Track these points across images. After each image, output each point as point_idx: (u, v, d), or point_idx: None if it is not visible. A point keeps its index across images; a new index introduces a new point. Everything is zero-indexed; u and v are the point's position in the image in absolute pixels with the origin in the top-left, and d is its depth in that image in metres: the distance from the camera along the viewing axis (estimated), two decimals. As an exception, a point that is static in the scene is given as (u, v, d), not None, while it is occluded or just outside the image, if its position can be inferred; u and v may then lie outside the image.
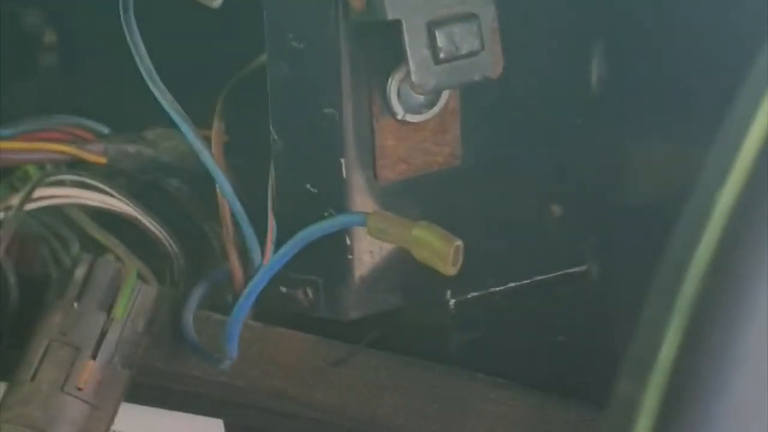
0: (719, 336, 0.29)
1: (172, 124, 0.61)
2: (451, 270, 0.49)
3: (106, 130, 0.61)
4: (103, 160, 0.60)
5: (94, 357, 0.54)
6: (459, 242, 0.49)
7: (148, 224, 0.59)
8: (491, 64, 0.52)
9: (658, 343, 0.30)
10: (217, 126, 0.59)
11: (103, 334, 0.54)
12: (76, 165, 0.61)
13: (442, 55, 0.51)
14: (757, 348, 0.28)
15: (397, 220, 0.50)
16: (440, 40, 0.51)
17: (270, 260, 0.54)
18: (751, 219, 0.29)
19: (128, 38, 0.55)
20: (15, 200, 0.55)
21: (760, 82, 0.31)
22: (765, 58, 0.31)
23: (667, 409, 0.29)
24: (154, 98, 0.59)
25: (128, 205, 0.59)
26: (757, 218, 0.29)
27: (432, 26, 0.51)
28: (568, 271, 0.61)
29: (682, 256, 0.30)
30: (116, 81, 0.70)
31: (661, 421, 0.29)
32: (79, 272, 0.55)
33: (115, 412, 0.54)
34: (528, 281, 0.60)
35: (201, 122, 0.60)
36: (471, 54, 0.52)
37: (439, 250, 0.49)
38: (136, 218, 0.59)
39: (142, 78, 0.59)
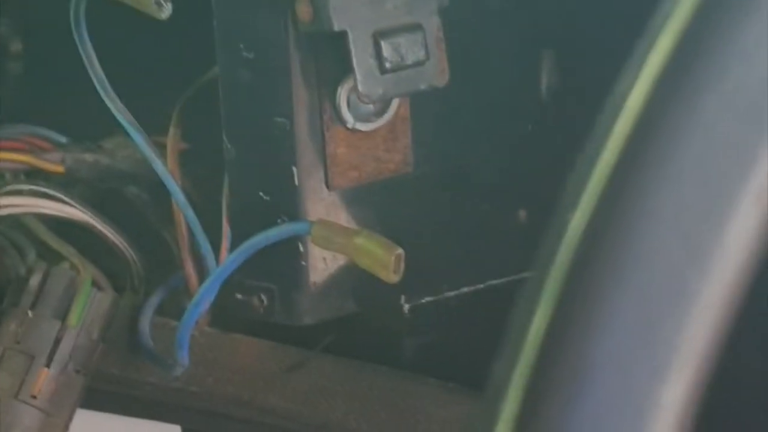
0: (588, 312, 0.29)
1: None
2: (392, 278, 0.50)
3: (63, 140, 0.62)
4: (60, 169, 0.61)
5: (48, 364, 0.54)
6: (400, 250, 0.50)
7: (105, 232, 0.60)
8: (437, 73, 0.53)
9: (528, 321, 0.30)
10: (173, 133, 0.59)
11: (57, 342, 0.54)
12: (34, 174, 0.62)
13: (387, 65, 0.52)
14: (626, 323, 0.29)
15: (340, 228, 0.51)
16: (386, 50, 0.52)
17: (218, 268, 0.55)
18: (621, 194, 0.30)
19: (80, 49, 0.56)
20: (-29, 210, 0.56)
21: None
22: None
23: (535, 387, 0.29)
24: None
25: (85, 213, 0.59)
26: (628, 192, 0.30)
27: (378, 37, 0.52)
28: (522, 275, 0.61)
29: (555, 232, 0.31)
30: (78, 90, 0.71)
31: (528, 398, 0.29)
32: (34, 281, 0.55)
33: (70, 419, 0.55)
34: (482, 286, 0.61)
35: (160, 129, 0.60)
36: (416, 63, 0.52)
37: (381, 258, 0.49)
38: (94, 226, 0.60)
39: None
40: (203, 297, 0.54)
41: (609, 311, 0.29)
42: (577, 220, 0.29)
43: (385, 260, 0.49)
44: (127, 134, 0.59)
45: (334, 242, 0.51)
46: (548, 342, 0.29)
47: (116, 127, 0.64)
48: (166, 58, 0.66)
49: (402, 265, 0.50)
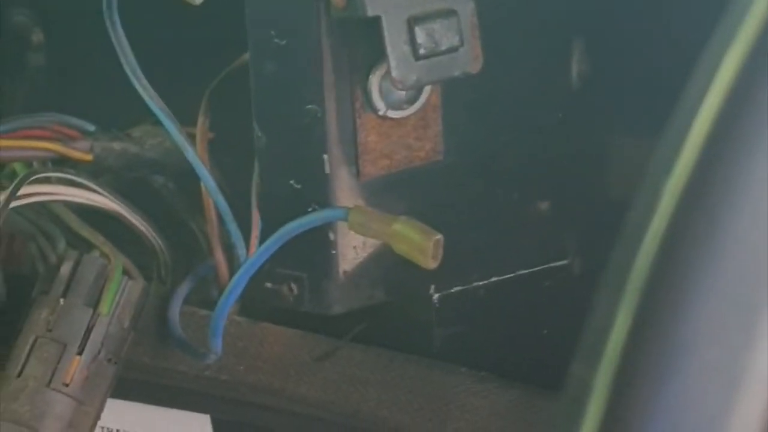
0: (668, 319, 0.29)
1: (159, 122, 0.62)
2: (431, 264, 0.49)
3: (92, 128, 0.61)
4: (89, 157, 0.60)
5: (80, 353, 0.54)
6: (439, 236, 0.50)
7: (133, 221, 0.60)
8: (470, 60, 0.53)
9: (608, 325, 0.30)
10: (201, 122, 0.59)
11: (89, 330, 0.54)
12: (62, 163, 0.62)
13: (421, 51, 0.52)
14: (705, 331, 0.29)
15: (378, 215, 0.51)
16: (420, 36, 0.52)
17: (252, 256, 0.54)
18: (697, 206, 0.30)
19: (112, 36, 0.56)
20: (1, 197, 0.56)
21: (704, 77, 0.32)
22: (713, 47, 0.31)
23: (617, 392, 0.29)
24: (139, 97, 0.59)
25: (114, 202, 0.59)
26: (703, 205, 0.30)
27: (412, 22, 0.52)
28: (551, 265, 0.61)
29: (632, 240, 0.31)
30: (103, 80, 0.70)
31: (612, 403, 0.29)
32: (65, 268, 0.55)
33: (101, 407, 0.55)
34: (511, 275, 0.60)
35: (186, 120, 0.60)
36: (450, 50, 0.52)
37: (419, 244, 0.49)
38: (122, 215, 0.59)
39: (127, 77, 0.59)
40: (238, 284, 0.54)
41: (689, 313, 0.29)
42: (657, 223, 0.29)
43: (424, 246, 0.49)
44: (158, 122, 0.59)
45: (371, 228, 0.50)
46: (631, 343, 0.29)
47: (140, 116, 0.64)
48: (192, 47, 0.66)
49: (440, 252, 0.50)
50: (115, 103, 0.67)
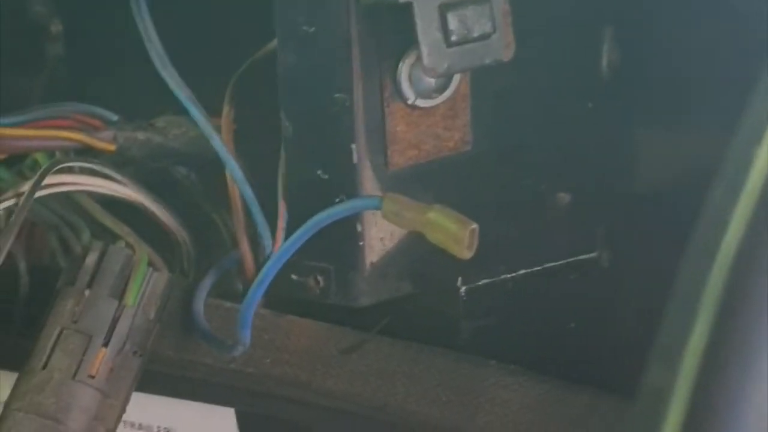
0: (750, 324, 0.29)
1: (181, 112, 0.61)
2: (466, 253, 0.49)
3: (115, 118, 0.61)
4: (112, 147, 0.60)
5: (105, 344, 0.53)
6: (474, 225, 0.49)
7: (157, 212, 0.59)
8: (503, 47, 0.52)
9: (687, 332, 0.30)
10: (226, 112, 0.58)
11: (114, 322, 0.54)
12: (84, 153, 0.61)
13: (453, 38, 0.51)
14: None
15: (412, 203, 0.50)
16: (452, 22, 0.51)
17: (284, 245, 0.54)
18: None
19: (139, 24, 0.55)
20: (25, 187, 0.55)
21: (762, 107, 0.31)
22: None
23: (698, 398, 0.29)
24: (160, 87, 0.59)
25: (138, 192, 0.58)
26: None
27: (444, 9, 0.51)
28: (579, 258, 0.61)
29: (709, 244, 0.30)
30: (121, 70, 0.70)
31: (692, 410, 0.29)
32: (90, 259, 0.55)
33: (127, 399, 0.54)
34: (539, 268, 0.60)
35: (209, 111, 0.60)
36: (483, 37, 0.51)
37: (455, 233, 0.48)
38: (146, 206, 0.59)
39: (147, 67, 0.59)
40: (268, 274, 0.54)
41: None
42: (730, 236, 0.29)
43: (459, 235, 0.48)
44: (180, 111, 0.59)
45: (405, 217, 0.50)
46: (711, 349, 0.28)
47: (159, 106, 0.63)
48: (216, 35, 0.65)
49: (475, 241, 0.49)
50: (134, 93, 0.67)
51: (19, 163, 0.63)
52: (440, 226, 0.49)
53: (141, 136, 0.61)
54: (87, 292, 0.54)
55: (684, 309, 0.30)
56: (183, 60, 0.58)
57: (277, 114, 0.57)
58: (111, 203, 0.60)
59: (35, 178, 0.55)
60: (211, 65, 0.61)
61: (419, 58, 0.52)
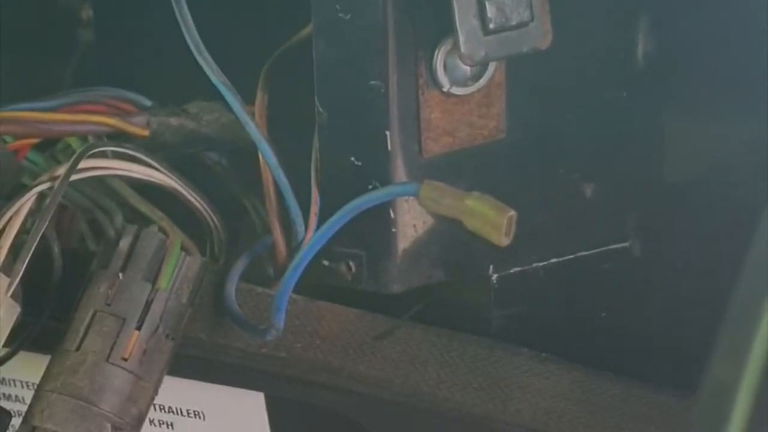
0: None
1: (213, 98, 0.61)
2: (504, 240, 0.49)
3: (148, 103, 0.61)
4: (146, 132, 0.60)
5: (139, 327, 0.53)
6: (513, 212, 0.49)
7: (190, 197, 0.59)
8: (540, 35, 0.52)
9: (753, 326, 0.29)
10: (260, 98, 0.58)
11: (148, 305, 0.54)
12: (116, 138, 0.61)
13: (491, 26, 0.51)
14: None
15: (450, 190, 0.50)
16: (490, 10, 0.51)
17: (320, 230, 0.54)
18: None
19: (176, 10, 0.55)
20: (60, 171, 0.55)
21: None
22: None
23: (765, 393, 0.29)
24: (188, 73, 0.59)
25: (171, 177, 0.58)
26: None
27: (482, -4, 0.51)
28: (611, 247, 0.61)
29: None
30: (151, 56, 0.70)
31: (759, 404, 0.29)
32: (124, 243, 0.55)
33: (159, 382, 0.54)
34: (570, 257, 0.60)
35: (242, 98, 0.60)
36: (521, 25, 0.51)
37: (493, 219, 0.48)
38: (179, 191, 0.59)
39: (175, 53, 0.59)
40: (304, 259, 0.54)
41: None
42: None
43: (498, 222, 0.48)
44: (211, 97, 0.59)
45: (443, 204, 0.50)
46: None
47: (189, 92, 0.63)
48: (249, 22, 0.65)
49: (513, 228, 0.49)
50: (162, 79, 0.67)
51: (51, 147, 0.64)
52: (478, 213, 0.49)
53: (174, 121, 0.61)
54: (121, 276, 0.54)
55: (750, 303, 0.30)
56: (216, 47, 0.58)
57: (310, 101, 0.57)
58: (141, 188, 0.60)
59: (70, 162, 0.55)
60: (243, 52, 0.62)
61: (455, 46, 0.52)
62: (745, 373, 0.29)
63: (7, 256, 0.53)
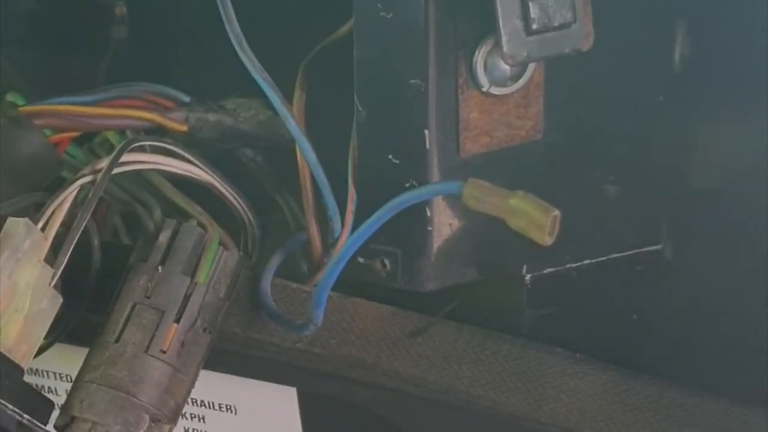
0: None
1: (249, 94, 0.62)
2: (547, 240, 0.49)
3: (187, 99, 0.61)
4: (184, 128, 0.60)
5: (177, 320, 0.54)
6: (557, 212, 0.49)
7: (226, 193, 0.59)
8: (582, 37, 0.52)
9: None
10: (298, 96, 0.59)
11: (186, 298, 0.54)
12: (153, 132, 0.62)
13: (534, 26, 0.51)
14: None
15: (494, 189, 0.50)
16: (533, 10, 0.51)
17: (363, 226, 0.54)
18: None
19: (219, 5, 0.55)
20: (101, 165, 0.55)
21: None
22: None
23: None
24: (222, 69, 0.59)
25: (209, 173, 0.59)
26: None
27: (525, -3, 0.51)
28: (644, 249, 0.61)
29: None
30: (184, 52, 0.71)
31: None
32: (164, 237, 0.55)
33: (196, 375, 0.54)
34: (603, 258, 0.60)
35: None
36: (563, 26, 0.52)
37: (537, 219, 0.49)
38: (215, 186, 0.59)
39: (209, 50, 0.59)
40: (345, 255, 0.54)
41: None
42: None
43: (542, 221, 0.48)
44: (255, 95, 0.59)
45: (487, 202, 0.50)
46: None
47: (223, 89, 0.64)
48: (287, 19, 0.65)
49: (557, 228, 0.49)
50: (195, 75, 0.67)
51: (89, 140, 0.64)
52: (523, 212, 0.49)
53: (212, 117, 0.61)
54: (160, 269, 0.54)
55: None
56: (255, 43, 0.58)
57: (348, 98, 0.57)
58: (174, 182, 0.60)
59: (112, 155, 0.56)
60: (282, 49, 0.62)
61: (496, 46, 0.52)
62: None
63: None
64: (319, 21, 0.60)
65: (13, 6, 0.72)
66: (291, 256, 0.60)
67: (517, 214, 0.49)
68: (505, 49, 0.51)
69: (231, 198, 0.60)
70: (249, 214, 0.61)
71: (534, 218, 0.49)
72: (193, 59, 0.70)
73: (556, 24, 0.51)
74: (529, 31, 0.51)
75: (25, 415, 0.50)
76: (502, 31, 0.51)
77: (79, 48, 0.73)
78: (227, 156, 0.64)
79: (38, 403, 0.51)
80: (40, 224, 0.53)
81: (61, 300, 0.53)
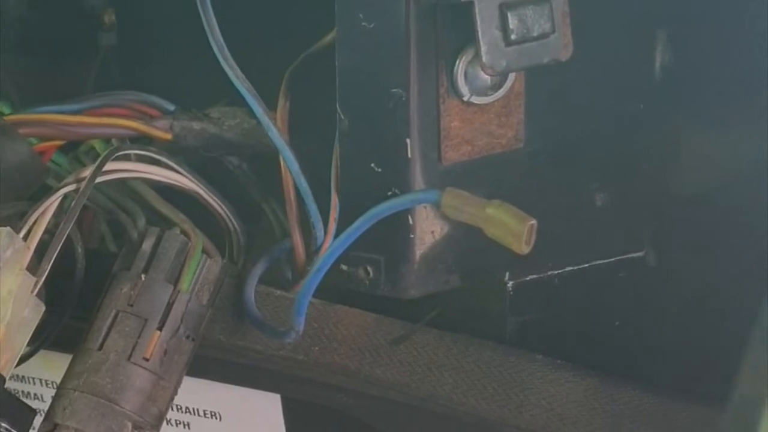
0: None
1: (234, 103, 0.62)
2: (524, 248, 0.49)
3: (172, 107, 0.62)
4: (168, 136, 0.61)
5: (160, 328, 0.54)
6: (533, 221, 0.50)
7: (211, 201, 0.60)
8: (561, 47, 0.53)
9: None
10: (282, 104, 0.59)
11: (169, 306, 0.55)
12: (139, 141, 0.62)
13: (513, 37, 0.52)
14: None
15: (472, 198, 0.51)
16: (512, 21, 0.52)
17: (343, 234, 0.55)
18: None
19: (202, 15, 0.56)
20: (85, 173, 0.56)
21: None
22: None
23: None
24: (209, 78, 0.60)
25: (193, 181, 0.59)
26: None
27: (504, 8, 0.52)
28: (626, 256, 0.61)
29: None
30: (172, 60, 0.71)
31: None
32: (147, 245, 0.56)
33: (179, 382, 0.55)
34: (586, 265, 0.61)
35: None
36: (542, 36, 0.52)
37: (514, 228, 0.49)
38: (200, 194, 0.60)
39: (196, 58, 0.60)
40: (326, 262, 0.54)
41: None
42: None
43: (518, 231, 0.49)
44: (240, 104, 0.60)
45: (464, 211, 0.50)
46: None
47: (210, 97, 0.64)
48: (271, 29, 0.66)
49: (534, 237, 0.50)
50: (183, 83, 0.68)
51: (74, 149, 0.65)
52: (499, 222, 0.50)
53: (196, 125, 0.62)
54: (143, 277, 0.55)
55: None
56: (239, 52, 0.59)
57: (331, 107, 0.58)
58: (161, 190, 0.61)
59: (96, 164, 0.56)
60: (265, 58, 0.62)
61: (477, 56, 0.53)
62: None
63: (32, 255, 0.54)
64: (304, 30, 0.61)
65: (3, 13, 0.73)
66: (276, 263, 0.61)
67: (494, 223, 0.49)
68: (484, 59, 0.52)
69: (215, 205, 0.60)
70: (233, 221, 0.61)
71: (510, 227, 0.49)
72: (181, 67, 0.70)
73: (534, 34, 0.52)
74: (508, 42, 0.52)
75: (4, 424, 0.50)
76: (481, 42, 0.52)
77: (69, 55, 0.74)
78: (214, 164, 0.64)
79: (19, 411, 0.51)
80: (23, 233, 0.53)
81: (43, 308, 0.53)
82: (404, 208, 0.54)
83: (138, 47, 0.73)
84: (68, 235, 0.55)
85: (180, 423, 0.63)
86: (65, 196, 0.56)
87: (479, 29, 0.52)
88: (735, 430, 0.30)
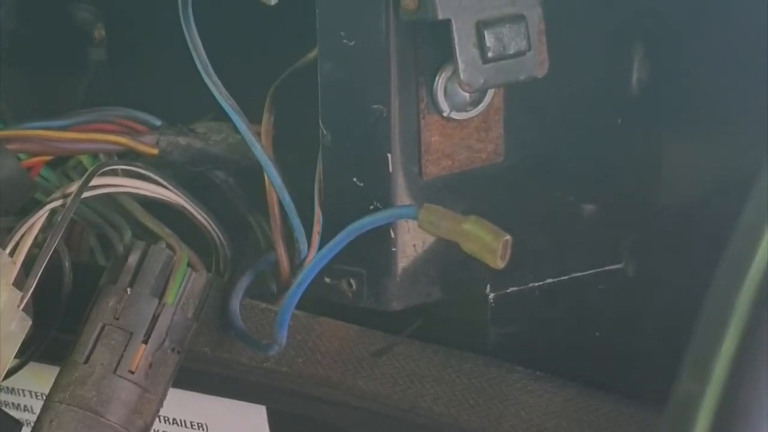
0: None
1: (222, 118, 0.63)
2: (499, 263, 0.50)
3: (158, 122, 0.63)
4: (155, 151, 0.62)
5: (145, 341, 0.55)
6: (508, 237, 0.51)
7: (197, 215, 0.61)
8: (537, 64, 0.54)
9: (717, 343, 0.31)
10: (266, 119, 0.60)
11: (154, 319, 0.55)
12: (125, 156, 0.63)
13: (490, 55, 0.53)
14: None
15: (448, 213, 0.52)
16: (489, 39, 0.53)
17: (323, 249, 0.55)
18: None
19: (185, 32, 0.57)
20: (72, 188, 0.57)
21: None
22: None
23: (726, 405, 0.30)
24: (198, 93, 0.61)
25: (179, 195, 0.60)
26: None
27: (481, 26, 0.53)
28: (605, 268, 0.62)
29: (741, 260, 0.32)
30: (162, 76, 0.72)
31: (720, 416, 0.30)
32: (132, 259, 0.56)
33: (164, 394, 0.56)
34: (566, 277, 0.61)
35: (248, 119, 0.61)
36: (518, 54, 0.53)
37: (489, 243, 0.50)
38: (186, 208, 0.60)
39: (186, 73, 0.60)
40: (307, 276, 0.55)
41: None
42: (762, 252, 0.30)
43: (493, 246, 0.50)
44: (219, 117, 0.61)
45: (441, 227, 0.51)
46: (740, 360, 0.30)
47: (198, 112, 0.65)
48: (255, 45, 0.67)
49: (509, 252, 0.51)
50: (172, 98, 0.68)
51: (63, 164, 0.65)
52: (475, 237, 0.51)
53: (182, 140, 0.63)
54: (129, 291, 0.56)
55: (715, 321, 0.32)
56: (224, 69, 0.60)
57: (314, 122, 0.59)
58: (149, 205, 0.62)
59: (82, 179, 0.57)
60: (250, 74, 0.63)
61: (455, 73, 0.54)
62: (708, 386, 0.31)
63: (19, 270, 0.55)
64: (290, 46, 0.62)
65: (-7, 28, 0.74)
66: (261, 275, 0.62)
67: (470, 239, 0.50)
68: (462, 76, 0.53)
69: (201, 219, 0.61)
70: (220, 234, 0.62)
71: (486, 243, 0.50)
72: (170, 82, 0.71)
73: (511, 52, 0.53)
74: (485, 59, 0.53)
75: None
76: (459, 60, 0.53)
77: (59, 69, 0.75)
78: (200, 178, 0.65)
79: (5, 424, 0.52)
80: (9, 248, 0.54)
81: (30, 322, 0.54)
82: (383, 223, 0.55)
83: (128, 62, 0.73)
84: (56, 250, 0.55)
85: (167, 434, 0.64)
86: (53, 211, 0.57)
87: (456, 47, 0.53)
88: (671, 426, 0.31)
